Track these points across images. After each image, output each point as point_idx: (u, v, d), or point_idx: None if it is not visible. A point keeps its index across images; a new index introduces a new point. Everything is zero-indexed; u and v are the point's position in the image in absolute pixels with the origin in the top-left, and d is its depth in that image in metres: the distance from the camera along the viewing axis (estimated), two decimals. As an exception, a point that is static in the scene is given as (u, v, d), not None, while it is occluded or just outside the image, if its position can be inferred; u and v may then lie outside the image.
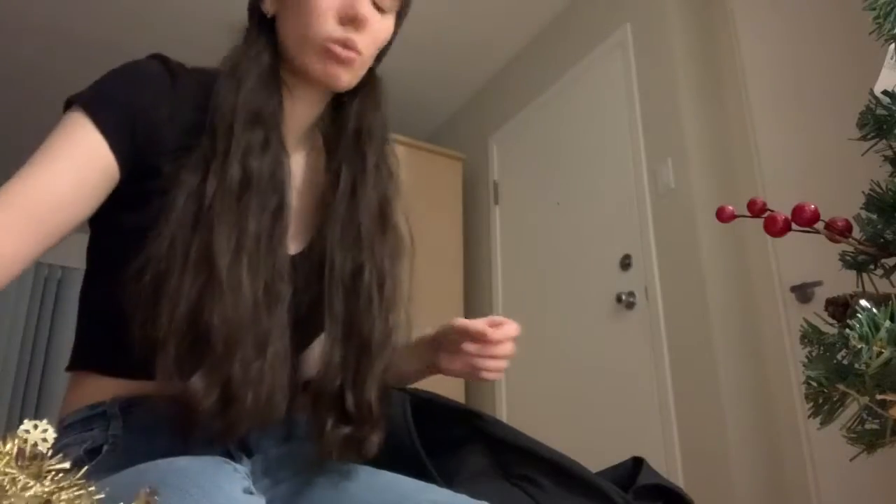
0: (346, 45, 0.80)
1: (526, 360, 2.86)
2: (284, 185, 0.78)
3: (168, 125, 0.75)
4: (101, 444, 0.71)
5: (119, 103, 0.74)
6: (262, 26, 0.85)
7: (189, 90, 0.78)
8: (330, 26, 0.80)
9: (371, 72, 0.90)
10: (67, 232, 0.73)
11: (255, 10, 0.87)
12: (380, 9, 0.84)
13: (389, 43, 0.91)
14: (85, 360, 0.78)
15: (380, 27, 0.85)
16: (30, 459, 0.23)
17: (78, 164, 0.71)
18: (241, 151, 0.74)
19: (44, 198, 0.69)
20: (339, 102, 0.90)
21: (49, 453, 0.25)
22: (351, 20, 0.80)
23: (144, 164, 0.74)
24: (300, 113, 0.86)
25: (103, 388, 0.75)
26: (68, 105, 0.75)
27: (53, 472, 0.24)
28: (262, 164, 0.75)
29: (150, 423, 0.72)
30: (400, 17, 0.91)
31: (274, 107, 0.80)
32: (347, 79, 0.83)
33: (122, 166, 0.73)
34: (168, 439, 0.68)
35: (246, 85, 0.78)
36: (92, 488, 0.25)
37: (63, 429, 0.74)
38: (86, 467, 0.26)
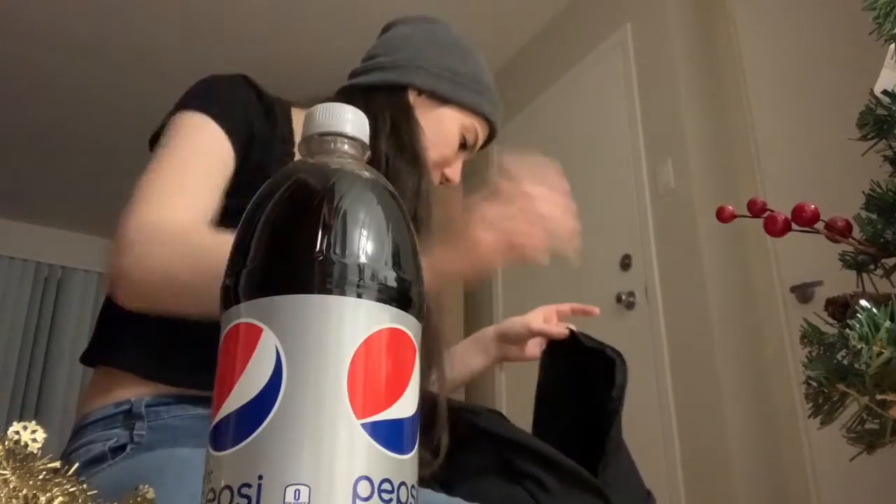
0: (448, 180, 1.00)
1: (526, 360, 2.86)
2: None
3: (266, 127, 0.83)
4: (125, 443, 0.70)
5: (231, 101, 0.81)
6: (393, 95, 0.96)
7: (272, 108, 0.85)
8: (441, 159, 0.97)
9: None
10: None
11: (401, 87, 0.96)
12: None
13: None
14: (110, 356, 0.77)
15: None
16: (20, 460, 0.23)
17: (209, 160, 0.76)
18: None
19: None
20: None
21: (39, 453, 0.24)
22: (450, 171, 1.01)
23: (251, 155, 0.80)
24: None
25: (130, 386, 0.74)
26: (176, 110, 0.80)
27: (44, 473, 0.24)
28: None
29: (177, 423, 0.72)
30: None
31: None
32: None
33: (238, 156, 0.79)
34: (193, 441, 0.67)
35: None
36: (84, 486, 0.25)
37: (86, 425, 0.73)
38: (76, 465, 0.26)
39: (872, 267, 0.59)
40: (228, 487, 0.27)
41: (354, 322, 0.29)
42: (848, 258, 0.61)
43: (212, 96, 0.82)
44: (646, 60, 2.53)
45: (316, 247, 0.30)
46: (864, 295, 0.54)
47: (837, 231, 0.58)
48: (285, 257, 0.30)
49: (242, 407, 0.28)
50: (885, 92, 0.63)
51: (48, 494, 0.23)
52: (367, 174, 0.34)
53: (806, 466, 1.88)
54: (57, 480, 0.24)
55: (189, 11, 2.90)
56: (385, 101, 0.90)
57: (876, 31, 0.62)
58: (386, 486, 0.28)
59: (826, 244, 0.61)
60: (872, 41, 0.63)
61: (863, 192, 0.62)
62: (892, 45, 0.64)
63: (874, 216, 0.59)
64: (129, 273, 0.66)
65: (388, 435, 0.29)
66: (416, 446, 0.31)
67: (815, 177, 1.96)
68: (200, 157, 0.76)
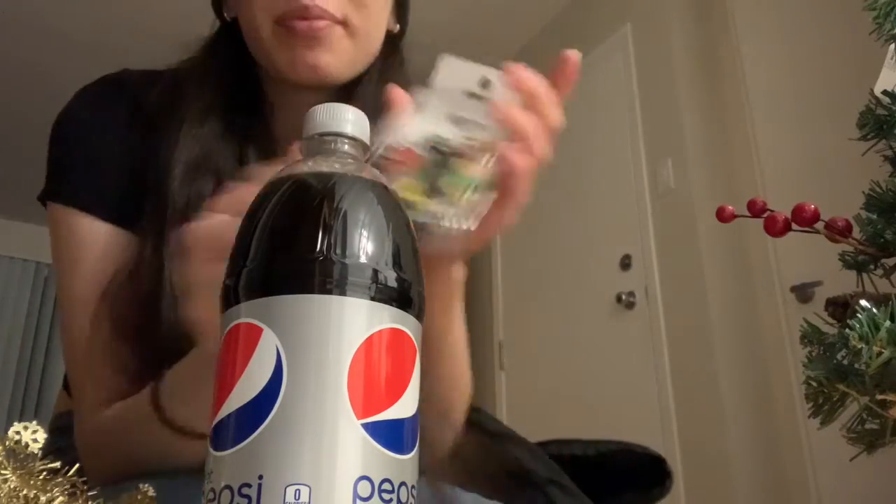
0: (307, 12, 0.58)
1: (526, 359, 2.86)
2: None
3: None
4: None
5: (93, 164, 0.64)
6: (226, 34, 0.69)
7: (157, 108, 0.66)
8: (273, 1, 0.60)
9: (390, 45, 0.70)
10: None
11: (218, 16, 0.71)
12: None
13: None
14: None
15: None
16: (20, 460, 0.23)
17: (98, 258, 0.62)
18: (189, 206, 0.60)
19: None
20: (351, 93, 0.67)
21: (40, 454, 0.24)
22: None
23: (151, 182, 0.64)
24: (299, 127, 0.74)
25: None
26: (45, 192, 0.66)
27: (45, 473, 0.24)
28: None
29: None
30: None
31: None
32: (329, 60, 0.61)
33: (130, 221, 0.64)
34: None
35: (204, 125, 0.64)
36: (84, 486, 0.25)
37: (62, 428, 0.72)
38: (77, 465, 0.26)
39: (872, 267, 0.59)
40: (229, 487, 0.27)
41: (354, 322, 0.29)
42: (848, 258, 0.61)
43: (69, 169, 0.65)
44: (646, 60, 2.53)
45: (316, 247, 0.30)
46: (864, 295, 0.54)
47: (837, 231, 0.58)
48: (285, 257, 0.30)
49: (243, 407, 0.28)
50: (885, 92, 0.63)
51: (49, 495, 0.23)
52: (367, 175, 0.34)
53: (806, 466, 1.88)
54: (57, 481, 0.24)
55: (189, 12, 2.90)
56: None
57: (876, 31, 0.62)
58: (386, 485, 0.28)
59: (826, 244, 0.61)
60: (872, 41, 0.63)
61: (863, 192, 0.62)
62: (892, 45, 0.64)
63: (874, 216, 0.59)
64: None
65: (388, 435, 0.29)
66: (417, 447, 0.31)
67: (815, 177, 1.96)
68: (92, 275, 0.61)
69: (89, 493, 0.26)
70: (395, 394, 0.30)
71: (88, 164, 0.65)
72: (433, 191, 0.42)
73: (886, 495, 1.62)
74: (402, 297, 0.31)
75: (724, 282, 2.16)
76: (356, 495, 0.27)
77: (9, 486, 0.22)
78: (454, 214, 0.41)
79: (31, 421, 0.26)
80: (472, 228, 0.43)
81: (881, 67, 0.66)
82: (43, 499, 0.22)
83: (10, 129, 3.78)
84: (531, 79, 0.49)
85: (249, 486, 0.27)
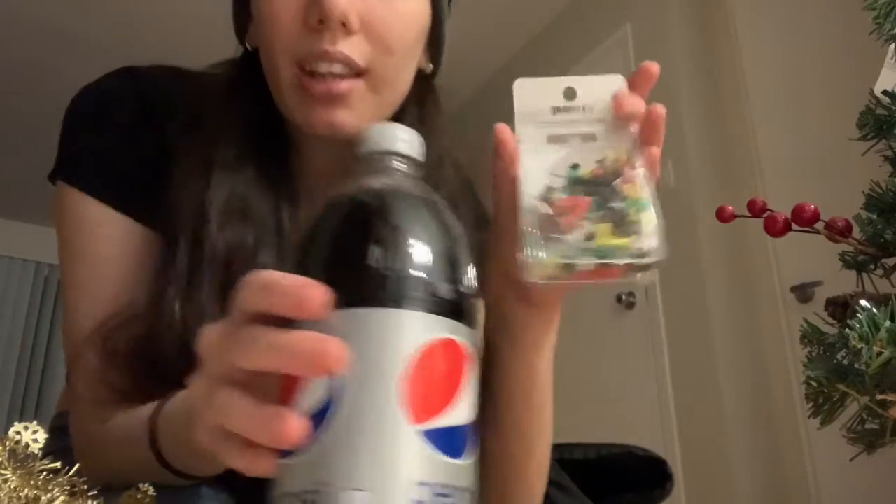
0: (328, 56, 0.54)
1: (526, 360, 2.86)
2: None
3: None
4: None
5: (110, 154, 0.62)
6: (248, 64, 0.63)
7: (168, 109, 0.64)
8: (293, 42, 0.55)
9: (423, 86, 0.65)
10: None
11: (240, 41, 0.65)
12: None
13: (438, 28, 0.62)
14: None
15: (389, 13, 0.56)
16: (21, 460, 0.23)
17: (118, 263, 0.60)
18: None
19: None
20: None
21: (40, 454, 0.24)
22: (320, 20, 0.53)
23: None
24: (321, 169, 0.65)
25: None
26: (55, 172, 0.64)
27: (45, 473, 0.24)
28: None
29: None
30: None
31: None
32: (348, 119, 0.56)
33: (148, 216, 0.62)
34: None
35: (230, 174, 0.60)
36: (84, 486, 0.25)
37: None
38: (77, 466, 0.26)
39: (872, 267, 0.59)
40: (291, 494, 0.29)
41: (410, 333, 0.30)
42: (848, 258, 0.61)
43: (85, 155, 0.63)
44: (646, 60, 2.53)
45: (373, 261, 0.31)
46: (864, 295, 0.54)
47: (837, 231, 0.58)
48: (343, 273, 0.31)
49: (306, 414, 0.29)
50: (885, 92, 0.63)
51: (49, 494, 0.23)
52: (420, 191, 0.35)
53: (806, 466, 1.88)
54: (58, 480, 0.24)
55: (189, 11, 2.90)
56: None
57: (876, 31, 0.62)
58: (443, 490, 0.29)
59: (826, 244, 0.61)
60: (872, 41, 0.63)
61: (863, 192, 0.62)
62: (892, 45, 0.64)
63: (874, 216, 0.59)
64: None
65: (445, 441, 0.30)
66: (475, 453, 0.32)
67: (815, 177, 1.96)
68: (104, 267, 0.60)
69: (89, 494, 0.26)
70: (449, 401, 0.31)
71: (105, 153, 0.63)
72: (622, 226, 0.37)
73: (886, 495, 1.62)
74: (456, 307, 0.33)
75: (723, 282, 2.16)
76: (413, 500, 0.28)
77: (9, 486, 0.22)
78: (654, 247, 0.36)
79: (31, 421, 0.26)
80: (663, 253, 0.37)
81: (881, 67, 0.66)
82: (43, 498, 0.23)
83: (10, 129, 3.78)
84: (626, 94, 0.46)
85: (311, 492, 0.28)
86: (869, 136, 0.62)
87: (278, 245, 0.60)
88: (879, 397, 0.45)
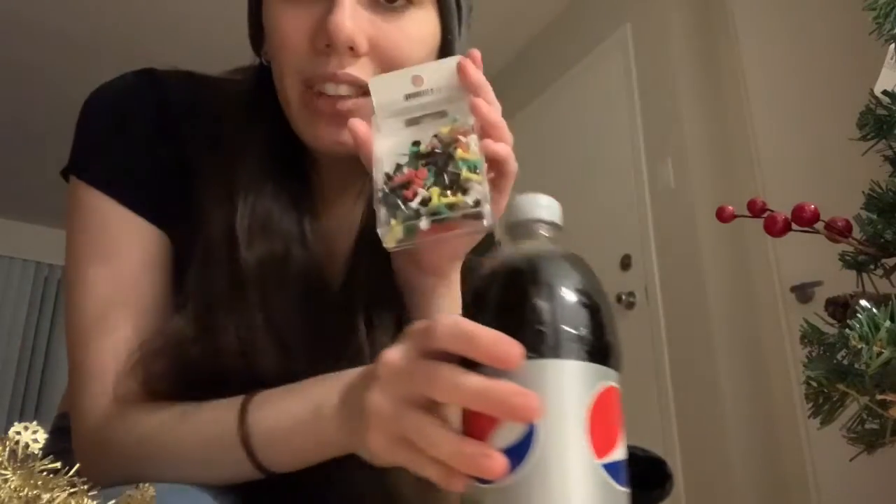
0: (334, 77, 0.55)
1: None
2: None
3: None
4: None
5: (128, 156, 0.62)
6: (267, 77, 0.63)
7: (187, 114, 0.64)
8: (302, 63, 0.56)
9: None
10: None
11: (256, 53, 0.66)
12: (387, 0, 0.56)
13: (448, 49, 0.62)
14: None
15: (398, 35, 0.57)
16: (21, 460, 0.23)
17: (137, 269, 0.60)
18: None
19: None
20: None
21: (40, 454, 0.24)
22: (327, 44, 0.54)
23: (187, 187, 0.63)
24: (337, 182, 0.67)
25: None
26: (70, 167, 0.64)
27: (45, 473, 0.24)
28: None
29: None
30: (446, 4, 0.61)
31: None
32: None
33: (168, 222, 0.62)
34: None
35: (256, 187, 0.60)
36: (84, 486, 0.25)
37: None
38: (77, 466, 0.26)
39: (872, 267, 0.59)
40: None
41: (587, 381, 0.36)
42: (848, 258, 0.62)
43: (103, 155, 0.63)
44: (646, 60, 2.53)
45: (550, 320, 0.36)
46: (864, 295, 0.54)
47: (837, 231, 0.58)
48: (524, 330, 0.36)
49: (504, 449, 0.34)
50: (885, 92, 0.63)
51: (49, 494, 0.23)
52: (565, 253, 0.40)
53: (806, 466, 1.88)
54: (58, 480, 0.24)
55: (188, 11, 2.90)
56: None
57: (876, 31, 0.62)
58: None
59: (826, 244, 0.61)
60: (872, 41, 0.63)
61: (863, 192, 0.62)
62: (892, 45, 0.64)
63: (874, 216, 0.59)
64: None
65: (617, 472, 0.35)
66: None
67: (815, 177, 1.96)
68: (117, 263, 0.60)
69: (89, 493, 0.26)
70: (618, 438, 0.36)
71: (123, 156, 0.62)
72: (455, 186, 0.44)
73: (886, 495, 1.62)
74: (614, 358, 0.38)
75: (723, 282, 2.16)
76: None
77: (10, 486, 0.22)
78: (486, 196, 0.43)
79: (31, 421, 0.26)
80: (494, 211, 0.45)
81: (881, 67, 0.66)
82: (44, 497, 0.23)
83: (10, 129, 3.78)
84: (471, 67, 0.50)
85: None
86: (869, 136, 0.62)
87: (306, 258, 0.61)
88: (879, 397, 0.45)
